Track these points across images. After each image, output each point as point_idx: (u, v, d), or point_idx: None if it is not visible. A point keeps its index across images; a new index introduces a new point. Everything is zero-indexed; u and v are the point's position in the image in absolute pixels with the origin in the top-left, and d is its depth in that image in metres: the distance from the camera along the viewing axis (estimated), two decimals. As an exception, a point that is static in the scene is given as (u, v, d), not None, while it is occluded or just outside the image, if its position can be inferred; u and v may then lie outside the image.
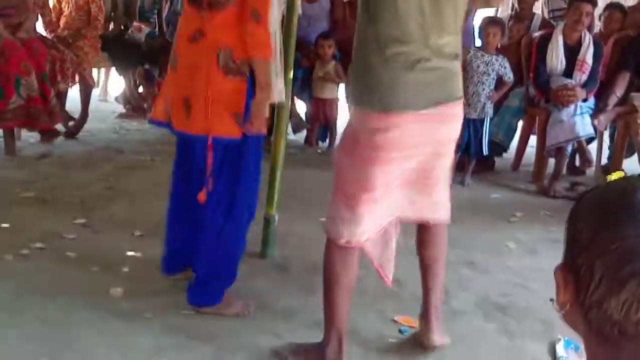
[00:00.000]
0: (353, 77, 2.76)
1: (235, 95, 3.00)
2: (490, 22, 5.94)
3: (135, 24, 7.31)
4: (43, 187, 4.97)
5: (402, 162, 2.69)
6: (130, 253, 3.88)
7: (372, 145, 2.64)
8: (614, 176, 1.05)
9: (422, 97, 2.64)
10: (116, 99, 8.20)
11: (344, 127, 2.87)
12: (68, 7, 6.83)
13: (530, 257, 4.28)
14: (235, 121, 3.01)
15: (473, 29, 6.61)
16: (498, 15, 7.14)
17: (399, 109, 2.62)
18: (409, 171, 2.74)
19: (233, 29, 2.96)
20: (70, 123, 6.54)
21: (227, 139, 3.04)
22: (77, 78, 6.33)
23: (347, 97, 2.81)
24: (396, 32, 2.60)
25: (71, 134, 6.48)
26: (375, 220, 2.75)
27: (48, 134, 6.07)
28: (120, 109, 7.88)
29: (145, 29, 7.30)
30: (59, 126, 6.26)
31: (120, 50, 7.19)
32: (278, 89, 3.13)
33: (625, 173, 1.06)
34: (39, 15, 6.33)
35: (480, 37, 5.99)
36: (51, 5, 6.72)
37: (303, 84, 6.56)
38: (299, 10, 3.84)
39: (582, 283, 1.02)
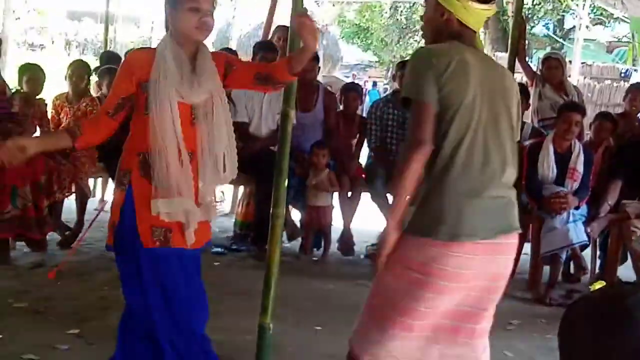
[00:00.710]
0: (417, 204, 2.69)
1: (115, 205, 3.20)
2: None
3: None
4: (37, 297, 4.94)
5: (449, 293, 2.63)
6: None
7: (426, 271, 2.59)
8: (597, 285, 1.07)
9: (485, 226, 2.63)
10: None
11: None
12: (66, 119, 6.92)
13: (529, 366, 4.23)
14: (112, 230, 3.20)
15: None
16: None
17: (464, 238, 2.58)
18: (453, 309, 2.67)
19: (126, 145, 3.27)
20: (67, 232, 6.55)
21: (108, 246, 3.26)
22: (73, 188, 6.39)
23: (404, 226, 2.68)
24: (461, 160, 2.62)
25: (66, 243, 6.47)
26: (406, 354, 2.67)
27: (36, 244, 6.08)
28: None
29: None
30: (54, 235, 6.29)
31: (117, 162, 7.22)
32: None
33: (606, 283, 1.08)
34: (37, 127, 6.43)
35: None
36: (49, 116, 6.82)
37: (297, 192, 6.61)
38: (293, 119, 3.92)
39: None
